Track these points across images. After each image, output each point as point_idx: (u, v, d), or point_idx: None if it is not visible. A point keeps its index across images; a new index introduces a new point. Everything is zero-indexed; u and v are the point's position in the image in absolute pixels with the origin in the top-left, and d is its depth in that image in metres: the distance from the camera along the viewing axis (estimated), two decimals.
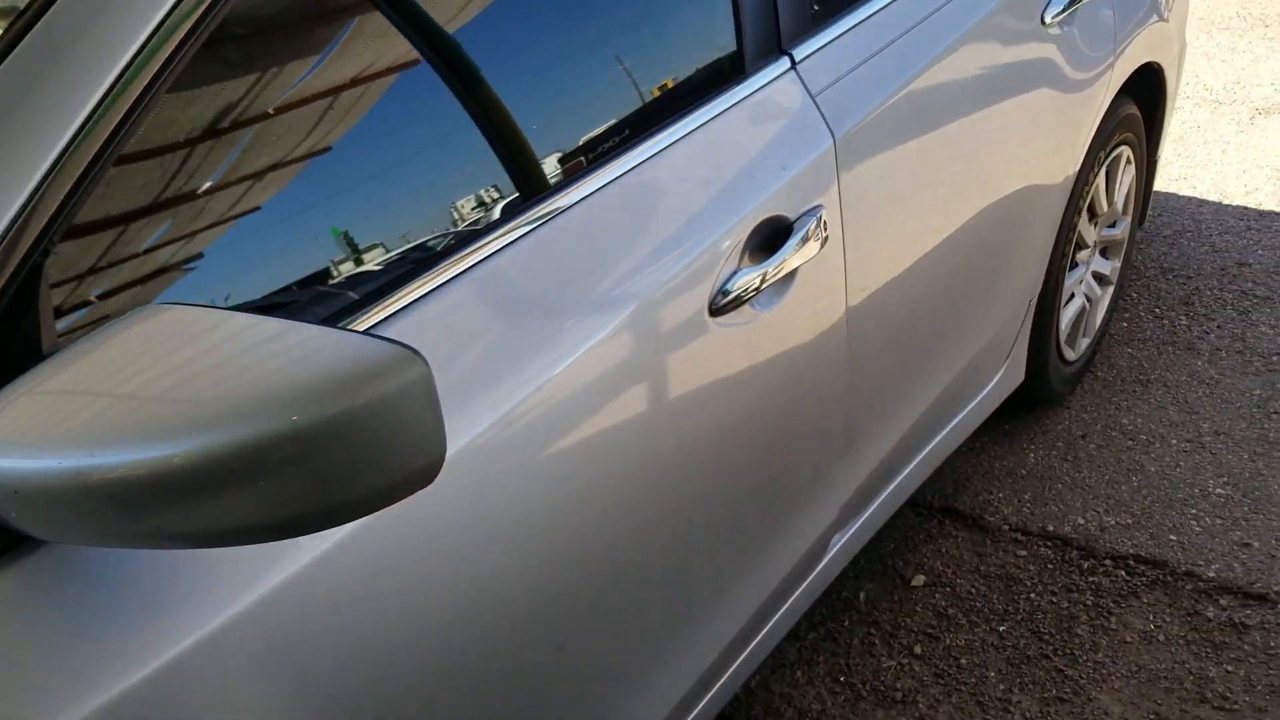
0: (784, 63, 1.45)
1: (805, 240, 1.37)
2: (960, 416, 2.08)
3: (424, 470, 0.73)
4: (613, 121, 1.26)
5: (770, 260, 1.34)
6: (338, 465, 0.69)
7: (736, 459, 1.39)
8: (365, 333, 0.72)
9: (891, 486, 1.91)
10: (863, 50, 1.55)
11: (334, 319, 0.99)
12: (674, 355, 1.25)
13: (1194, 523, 2.22)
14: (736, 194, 1.32)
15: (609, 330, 1.17)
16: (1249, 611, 2.01)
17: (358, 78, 1.05)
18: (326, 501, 0.70)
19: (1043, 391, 2.45)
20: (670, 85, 1.33)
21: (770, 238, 1.38)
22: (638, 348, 1.21)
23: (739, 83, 1.39)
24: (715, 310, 1.29)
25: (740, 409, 1.37)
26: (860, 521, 1.82)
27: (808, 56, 1.48)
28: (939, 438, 2.03)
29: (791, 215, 1.38)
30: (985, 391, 2.14)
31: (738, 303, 1.31)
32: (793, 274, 1.40)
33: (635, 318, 1.20)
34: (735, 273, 1.31)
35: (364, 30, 1.06)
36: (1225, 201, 3.40)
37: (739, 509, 1.44)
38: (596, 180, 1.22)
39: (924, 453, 2.00)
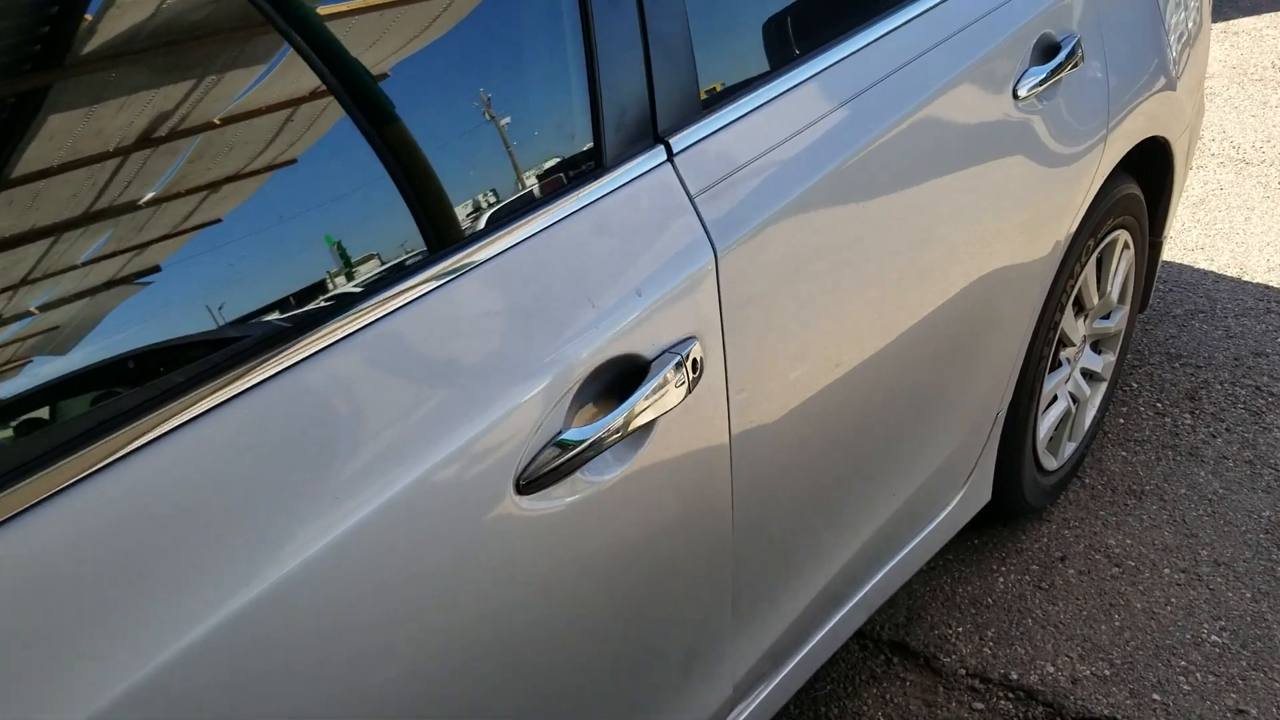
0: (658, 154, 1.15)
1: (664, 385, 1.07)
2: (907, 550, 1.77)
3: None
4: (402, 233, 0.96)
5: (611, 415, 1.03)
6: None
7: (562, 663, 1.09)
8: None
9: (815, 639, 1.60)
10: (771, 135, 1.24)
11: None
12: (463, 549, 0.95)
13: (1183, 678, 1.89)
14: (567, 329, 1.02)
15: (372, 511, 0.88)
16: None
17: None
18: None
19: (1014, 508, 2.13)
20: (489, 183, 1.02)
21: (621, 381, 1.07)
22: (415, 540, 0.91)
23: (591, 179, 1.09)
24: (525, 485, 0.98)
25: (563, 605, 1.06)
26: (767, 691, 1.51)
27: (691, 145, 1.18)
28: (879, 576, 1.72)
29: (648, 353, 1.08)
30: (939, 519, 1.83)
31: (561, 473, 1.00)
32: (649, 426, 1.09)
33: (410, 498, 0.90)
34: (559, 434, 1.01)
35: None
36: (1245, 278, 3.07)
37: (578, 714, 1.14)
38: (376, 311, 0.92)
39: (860, 595, 1.68)
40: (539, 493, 1.00)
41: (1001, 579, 2.15)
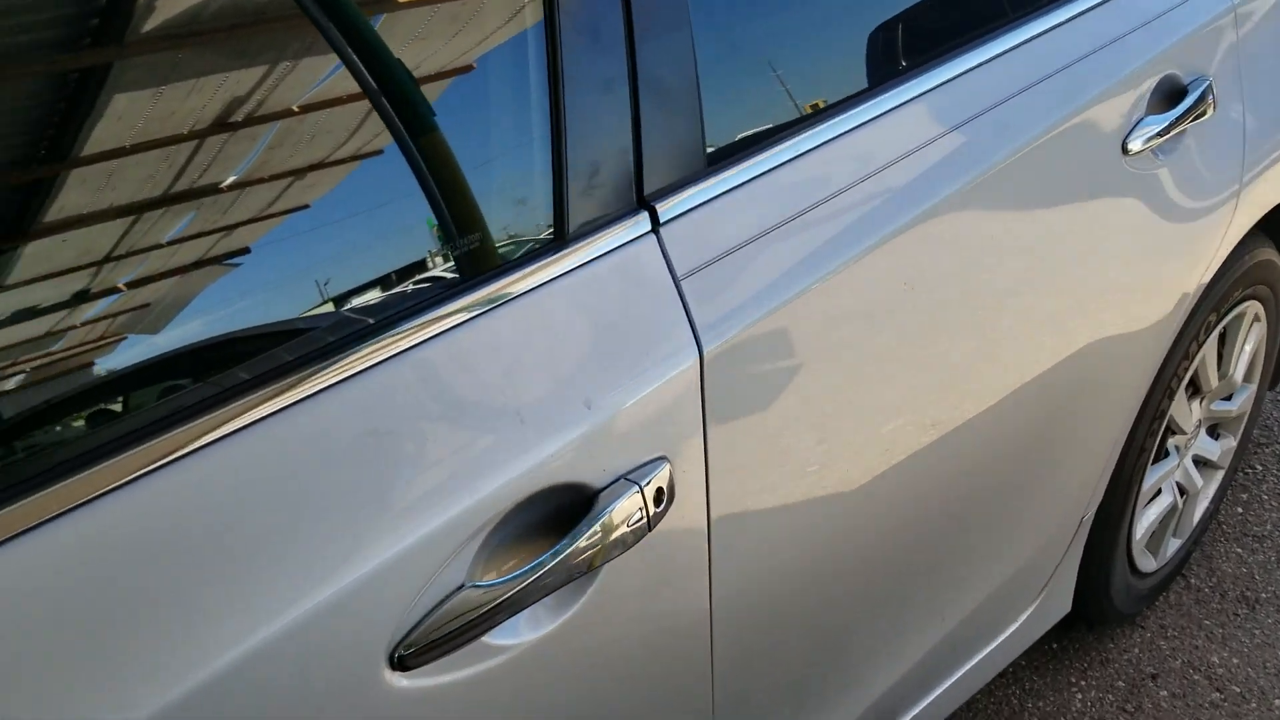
0: (639, 223, 0.92)
1: (615, 521, 0.84)
2: (962, 671, 1.50)
3: None
4: (256, 334, 0.74)
5: (533, 563, 0.81)
6: None
7: None
8: None
9: None
10: (797, 198, 1.00)
11: None
12: None
13: None
14: (481, 453, 0.80)
15: (204, 679, 0.67)
16: None
17: None
18: None
19: (1100, 616, 1.83)
20: (396, 260, 0.81)
21: (563, 513, 0.85)
22: None
23: (543, 256, 0.86)
24: (405, 657, 0.76)
25: None
26: None
27: (687, 213, 0.94)
28: (927, 701, 1.46)
29: (596, 482, 0.85)
30: (1004, 636, 1.56)
31: (461, 638, 0.78)
32: (594, 573, 0.86)
33: (246, 678, 0.69)
34: (458, 589, 0.78)
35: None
36: None
37: None
38: (223, 427, 0.71)
39: None
40: (425, 666, 0.77)
41: (1080, 695, 1.86)
